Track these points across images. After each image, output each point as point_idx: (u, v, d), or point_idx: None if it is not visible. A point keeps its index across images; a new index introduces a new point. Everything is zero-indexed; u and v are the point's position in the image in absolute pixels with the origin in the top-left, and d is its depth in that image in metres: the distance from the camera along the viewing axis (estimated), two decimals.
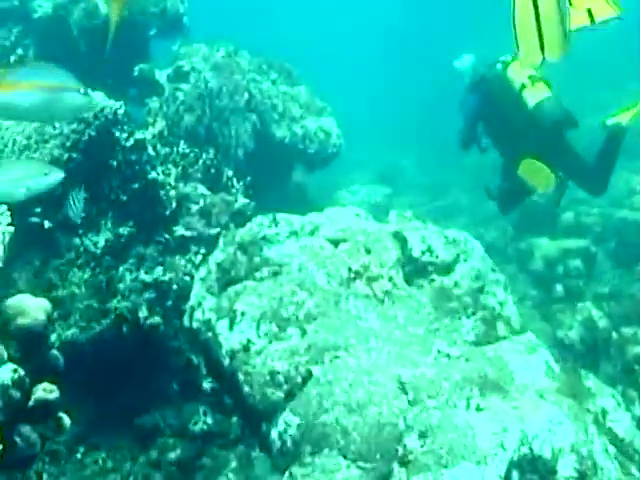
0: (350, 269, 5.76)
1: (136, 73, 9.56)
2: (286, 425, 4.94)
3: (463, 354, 5.39)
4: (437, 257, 6.03)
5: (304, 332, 5.37)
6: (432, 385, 5.00)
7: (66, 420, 4.55)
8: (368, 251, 5.91)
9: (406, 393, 4.94)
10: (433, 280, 5.97)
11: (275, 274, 5.74)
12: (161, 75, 9.88)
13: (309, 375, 5.13)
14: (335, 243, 5.96)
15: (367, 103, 26.59)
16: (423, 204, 15.32)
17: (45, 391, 4.45)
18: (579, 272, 10.87)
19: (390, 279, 5.79)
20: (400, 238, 6.12)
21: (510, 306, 6.00)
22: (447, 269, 6.03)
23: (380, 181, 17.67)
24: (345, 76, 30.09)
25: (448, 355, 5.38)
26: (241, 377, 5.31)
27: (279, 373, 5.19)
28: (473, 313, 5.74)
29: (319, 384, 5.01)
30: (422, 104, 23.28)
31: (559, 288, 10.50)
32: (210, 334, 5.66)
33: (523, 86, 7.10)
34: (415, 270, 6.03)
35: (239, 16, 30.13)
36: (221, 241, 6.19)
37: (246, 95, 9.67)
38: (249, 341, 5.41)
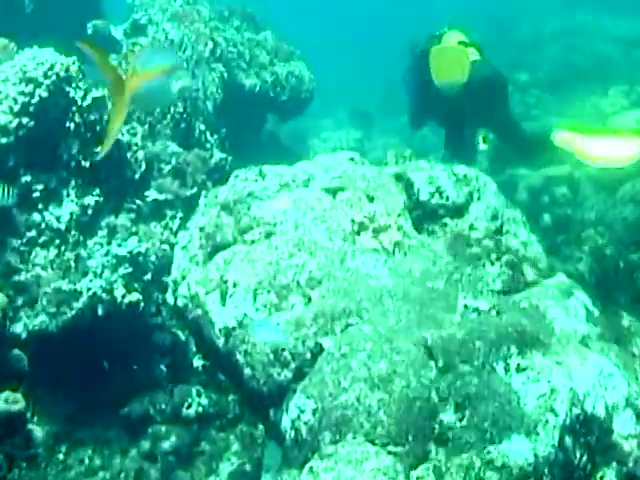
0: (353, 221, 5.22)
1: (90, 31, 8.98)
2: (299, 411, 4.35)
3: (493, 306, 4.87)
4: (448, 198, 5.50)
5: (308, 299, 4.85)
6: (464, 347, 4.46)
7: (37, 433, 3.82)
8: (371, 199, 5.36)
9: (435, 359, 4.39)
10: (445, 225, 5.46)
11: (268, 235, 5.21)
12: (117, 32, 9.43)
13: (319, 349, 4.62)
14: (333, 193, 5.40)
15: (334, 48, 26.04)
16: (396, 146, 14.79)
17: (7, 402, 3.79)
18: (567, 199, 10.46)
19: (399, 228, 5.25)
20: (404, 180, 5.58)
21: (535, 246, 5.50)
22: (460, 211, 5.50)
23: (350, 126, 17.37)
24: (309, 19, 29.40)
25: (477, 310, 4.86)
26: (240, 358, 4.80)
27: (284, 350, 4.66)
28: (497, 258, 5.20)
29: (333, 359, 4.45)
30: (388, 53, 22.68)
31: (547, 218, 9.97)
32: (199, 311, 5.12)
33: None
34: (424, 215, 5.51)
35: None
36: (201, 202, 5.72)
37: (210, 44, 9.13)
38: (245, 315, 4.88)
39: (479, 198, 5.48)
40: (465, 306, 4.84)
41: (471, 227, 5.34)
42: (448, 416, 4.16)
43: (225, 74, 9.16)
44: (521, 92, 17.66)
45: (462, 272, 5.06)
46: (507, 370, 4.42)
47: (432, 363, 4.36)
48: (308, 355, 4.61)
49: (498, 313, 4.78)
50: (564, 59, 18.76)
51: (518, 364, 4.45)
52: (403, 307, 4.75)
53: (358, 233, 5.17)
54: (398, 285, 4.90)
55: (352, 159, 5.78)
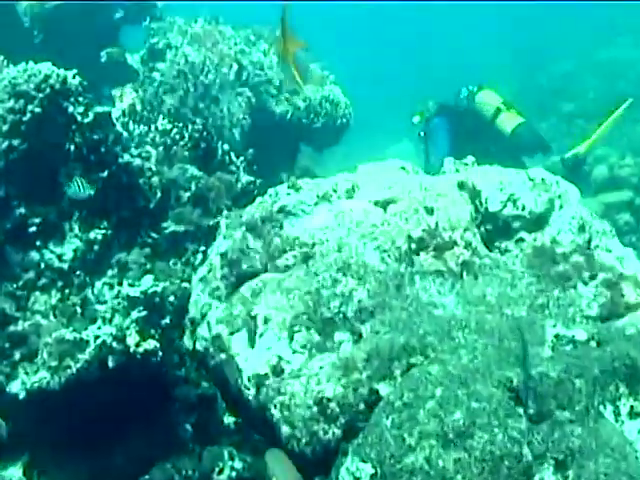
0: (410, 237, 4.42)
1: (104, 59, 8.68)
2: (353, 478, 3.51)
3: (592, 336, 4.00)
4: (524, 208, 4.64)
5: (359, 336, 4.08)
6: (560, 388, 3.63)
7: None
8: (430, 210, 4.58)
9: (524, 406, 3.57)
10: (522, 239, 4.61)
11: (305, 259, 4.45)
12: (133, 59, 9.09)
13: (375, 398, 3.78)
14: (383, 205, 4.63)
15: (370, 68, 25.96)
16: None
17: None
18: (631, 227, 10.61)
19: (467, 245, 4.45)
20: (469, 188, 4.79)
21: (632, 260, 4.62)
22: (539, 222, 4.63)
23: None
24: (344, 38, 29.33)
25: (572, 340, 3.98)
26: (275, 413, 3.97)
27: (330, 400, 3.82)
28: (591, 277, 4.37)
29: (393, 409, 3.60)
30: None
31: None
32: (223, 356, 4.36)
33: (498, 111, 7.89)
34: (496, 229, 4.67)
35: None
36: (222, 224, 4.96)
37: (235, 66, 8.57)
38: (281, 359, 4.09)
39: (561, 206, 4.66)
40: (556, 336, 4.01)
41: (554, 241, 4.52)
42: (547, 478, 3.37)
43: (253, 99, 8.64)
44: (567, 123, 17.63)
45: (548, 295, 4.24)
46: (618, 415, 3.64)
47: (521, 410, 3.56)
48: (361, 406, 3.80)
49: (599, 344, 3.97)
50: (608, 87, 18.75)
51: (631, 407, 3.67)
52: (478, 341, 3.95)
53: (417, 252, 4.42)
54: (470, 314, 4.12)
55: (403, 168, 4.99)
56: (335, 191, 4.67)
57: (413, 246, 4.37)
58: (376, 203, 4.60)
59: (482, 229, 4.61)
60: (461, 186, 4.73)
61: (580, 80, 19.47)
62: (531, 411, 3.51)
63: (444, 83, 9.22)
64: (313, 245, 4.48)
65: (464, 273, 4.32)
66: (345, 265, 4.29)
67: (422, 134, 8.52)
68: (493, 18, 29.02)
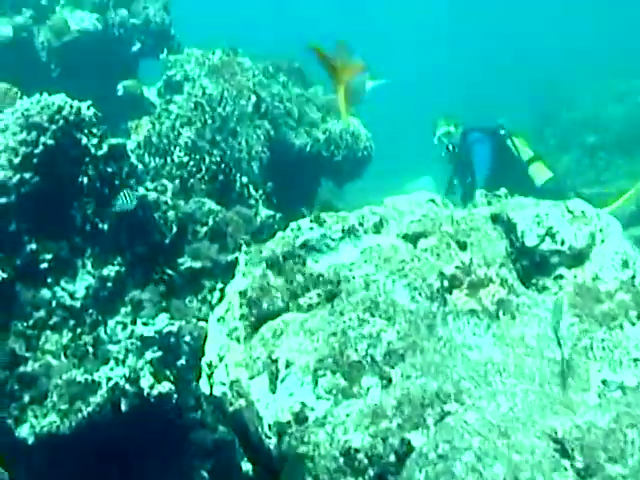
0: (442, 274, 4.12)
1: (120, 92, 8.80)
2: None
3: None
4: (563, 242, 4.30)
5: (388, 381, 3.76)
6: (610, 439, 3.25)
7: None
8: (463, 245, 4.29)
9: (571, 458, 3.21)
10: (561, 276, 4.27)
11: (330, 297, 4.17)
12: (150, 92, 9.19)
13: (407, 448, 3.45)
14: (413, 240, 4.35)
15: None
16: None
17: None
18: None
19: (503, 282, 4.12)
20: (504, 221, 4.49)
21: None
22: (580, 257, 4.30)
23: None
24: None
25: (621, 386, 3.67)
26: (299, 465, 3.69)
27: (358, 451, 3.52)
28: (639, 316, 3.99)
29: (427, 462, 3.30)
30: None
31: None
32: (242, 402, 4.07)
33: (534, 158, 8.28)
34: (533, 265, 4.35)
35: (234, 22, 29.28)
36: (241, 260, 4.68)
37: (253, 98, 8.45)
38: (304, 406, 3.78)
39: (603, 240, 4.33)
40: (603, 382, 3.70)
41: (596, 278, 4.19)
42: None
43: (271, 132, 8.46)
44: (590, 156, 17.47)
45: (593, 337, 3.92)
46: None
47: (567, 463, 3.22)
48: (392, 457, 3.49)
49: None
50: (630, 118, 18.58)
51: None
52: (518, 386, 3.65)
53: (449, 290, 4.12)
54: (508, 357, 3.83)
55: (432, 200, 4.70)
56: (362, 225, 4.40)
57: (445, 283, 4.09)
58: (405, 237, 4.33)
59: (518, 265, 4.33)
60: (495, 219, 4.45)
61: (602, 111, 19.26)
62: (579, 465, 3.19)
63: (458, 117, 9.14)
64: (338, 283, 4.20)
65: (500, 312, 4.02)
66: (373, 304, 4.00)
67: (451, 147, 8.55)
68: (508, 52, 29.03)
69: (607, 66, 22.20)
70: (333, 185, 10.35)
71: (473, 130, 8.60)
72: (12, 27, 8.59)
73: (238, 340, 4.36)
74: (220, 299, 5.45)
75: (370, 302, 4.00)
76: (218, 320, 4.51)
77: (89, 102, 5.54)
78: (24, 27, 8.69)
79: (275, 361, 4.00)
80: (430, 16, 34.15)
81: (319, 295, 4.21)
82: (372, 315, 3.96)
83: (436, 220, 4.36)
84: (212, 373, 4.39)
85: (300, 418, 3.77)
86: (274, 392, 3.93)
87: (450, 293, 4.07)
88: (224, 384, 4.20)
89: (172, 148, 6.97)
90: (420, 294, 4.03)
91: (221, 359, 4.35)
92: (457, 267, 4.09)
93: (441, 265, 4.13)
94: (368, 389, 3.75)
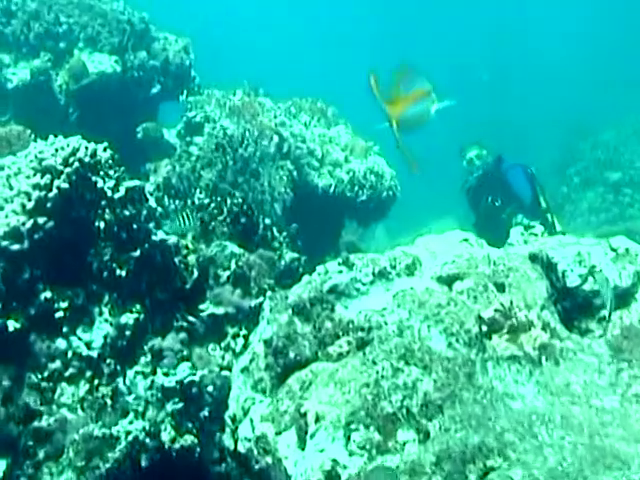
0: (481, 319, 3.98)
1: (140, 135, 8.59)
2: None
3: None
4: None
5: (425, 434, 3.61)
6: None
7: None
8: (501, 287, 4.16)
9: None
10: (605, 318, 4.09)
11: (362, 345, 4.04)
12: (170, 134, 8.99)
13: None
14: (448, 282, 4.22)
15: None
16: None
17: None
18: None
19: (545, 326, 4.00)
20: (543, 261, 4.35)
21: None
22: (625, 298, 4.15)
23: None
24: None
25: None
26: None
27: None
28: None
29: None
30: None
31: None
32: (269, 459, 3.93)
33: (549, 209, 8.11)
34: (575, 306, 4.20)
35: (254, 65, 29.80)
36: (266, 307, 4.57)
37: (276, 138, 8.30)
38: (336, 463, 3.63)
39: None
40: None
41: None
42: None
43: (294, 172, 8.33)
44: (614, 192, 17.39)
45: None
46: None
47: None
48: None
49: None
50: None
51: None
52: (565, 439, 3.46)
53: (489, 335, 3.97)
54: (553, 406, 3.65)
55: (466, 240, 4.54)
56: (394, 267, 4.26)
57: (484, 328, 3.96)
58: (440, 280, 4.20)
59: (559, 306, 4.15)
60: (533, 258, 4.31)
61: (625, 148, 19.20)
62: None
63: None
64: (370, 329, 4.06)
65: (543, 358, 3.88)
66: (407, 352, 3.87)
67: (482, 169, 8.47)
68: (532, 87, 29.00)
69: (630, 100, 22.17)
70: (357, 225, 10.17)
71: (500, 161, 8.46)
72: (30, 70, 8.58)
73: (264, 392, 4.26)
74: (244, 347, 5.37)
75: (404, 349, 3.88)
76: (242, 371, 4.43)
77: (105, 144, 5.39)
78: (42, 70, 8.61)
79: (304, 415, 3.87)
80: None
81: (349, 343, 4.07)
82: (407, 364, 3.83)
83: (472, 261, 4.23)
84: (236, 428, 4.29)
85: (332, 477, 3.61)
86: (303, 449, 3.80)
87: (489, 338, 3.95)
88: (249, 440, 4.09)
89: (192, 190, 6.86)
90: (457, 340, 3.90)
91: (246, 413, 4.24)
92: (496, 310, 3.95)
93: (479, 308, 4.01)
94: (404, 444, 3.62)
